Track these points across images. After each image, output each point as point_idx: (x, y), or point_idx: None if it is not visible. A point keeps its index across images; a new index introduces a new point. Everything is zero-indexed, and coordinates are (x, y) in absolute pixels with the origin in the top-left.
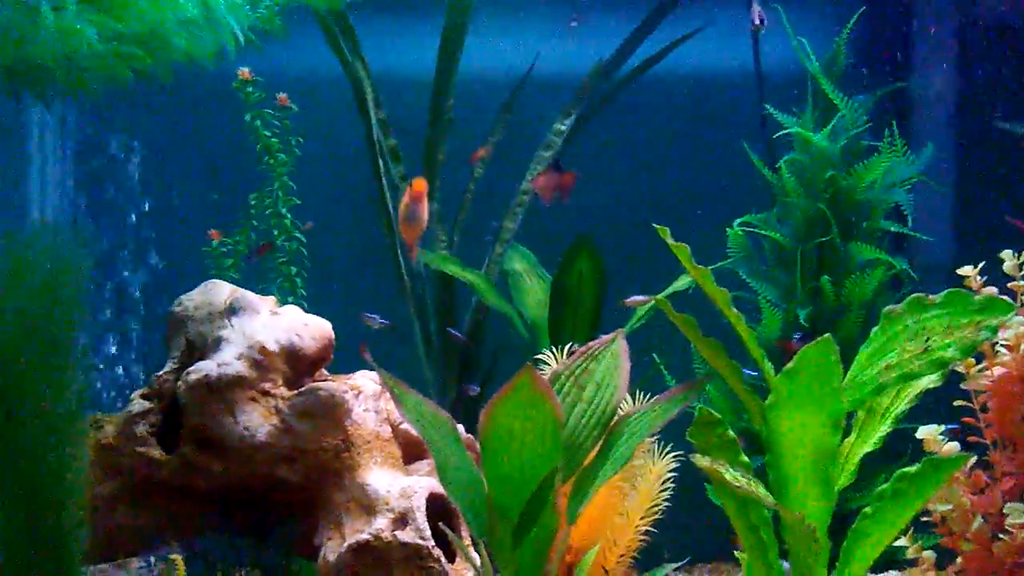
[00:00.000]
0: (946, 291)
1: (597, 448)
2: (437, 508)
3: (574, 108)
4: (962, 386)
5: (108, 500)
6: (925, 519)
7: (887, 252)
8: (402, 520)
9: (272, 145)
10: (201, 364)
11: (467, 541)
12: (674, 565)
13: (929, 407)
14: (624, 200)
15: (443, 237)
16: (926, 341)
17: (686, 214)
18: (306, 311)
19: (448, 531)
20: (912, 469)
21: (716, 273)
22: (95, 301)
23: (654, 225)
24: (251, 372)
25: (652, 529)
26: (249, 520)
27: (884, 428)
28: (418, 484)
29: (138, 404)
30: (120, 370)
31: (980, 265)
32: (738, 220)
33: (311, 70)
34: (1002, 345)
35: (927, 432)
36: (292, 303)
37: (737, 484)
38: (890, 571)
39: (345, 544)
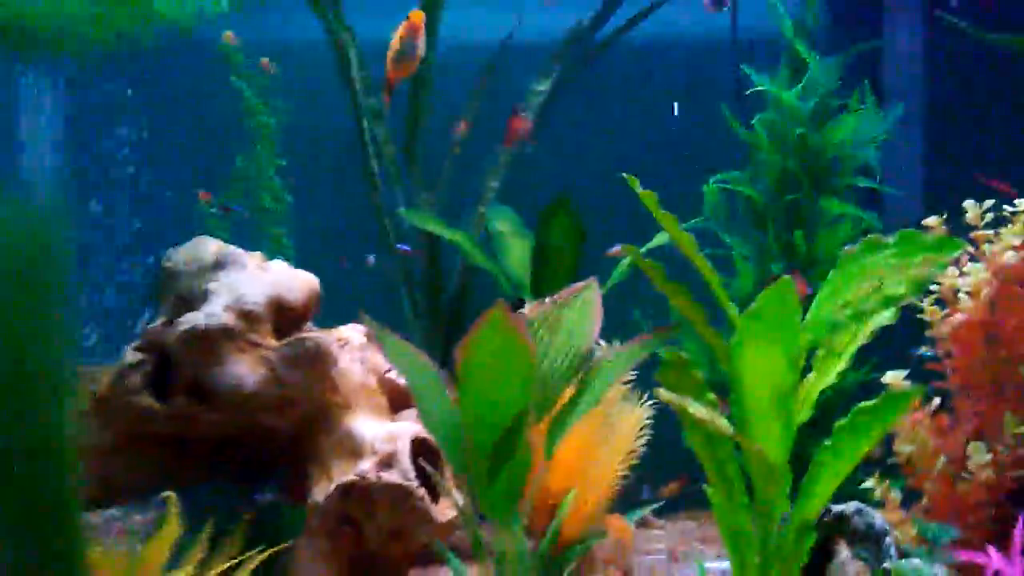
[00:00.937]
0: (899, 231)
1: (571, 390)
2: (423, 452)
3: (553, 70)
4: (927, 333)
5: (103, 450)
6: (892, 461)
7: (859, 207)
8: (387, 462)
9: (255, 107)
10: (189, 315)
11: (452, 484)
12: (651, 507)
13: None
14: (607, 161)
15: (427, 199)
16: (880, 280)
17: (668, 174)
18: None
19: (429, 467)
20: (870, 403)
21: (695, 231)
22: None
23: (623, 175)
24: (239, 323)
25: (630, 475)
26: (241, 468)
27: (841, 365)
28: (402, 429)
29: (131, 356)
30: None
31: (944, 215)
32: (713, 178)
33: (297, 35)
34: (964, 292)
35: (892, 376)
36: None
37: (700, 415)
38: (852, 501)
39: (332, 486)
